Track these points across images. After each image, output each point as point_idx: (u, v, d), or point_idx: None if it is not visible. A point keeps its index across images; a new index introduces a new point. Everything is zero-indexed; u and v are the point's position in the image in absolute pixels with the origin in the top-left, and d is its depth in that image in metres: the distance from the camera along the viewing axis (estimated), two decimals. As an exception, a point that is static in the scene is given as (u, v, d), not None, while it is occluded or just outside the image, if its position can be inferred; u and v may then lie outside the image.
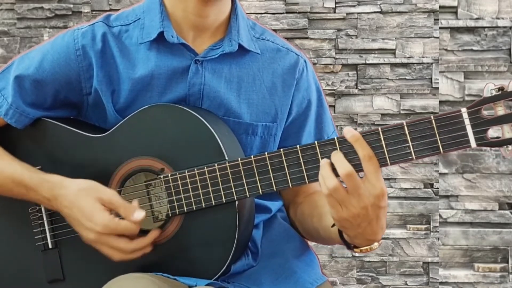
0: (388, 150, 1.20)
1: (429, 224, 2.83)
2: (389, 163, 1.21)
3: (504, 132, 1.16)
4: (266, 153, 1.28)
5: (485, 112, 1.16)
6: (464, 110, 1.17)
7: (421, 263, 2.84)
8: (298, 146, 1.26)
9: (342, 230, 1.27)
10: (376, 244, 1.28)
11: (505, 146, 1.16)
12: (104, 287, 1.26)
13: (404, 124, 1.19)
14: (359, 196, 1.19)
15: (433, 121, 1.18)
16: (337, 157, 1.21)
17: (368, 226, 1.23)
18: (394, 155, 1.20)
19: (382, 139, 1.20)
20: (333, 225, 1.30)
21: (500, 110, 1.16)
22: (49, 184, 1.34)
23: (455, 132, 1.17)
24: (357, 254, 2.79)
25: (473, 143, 1.17)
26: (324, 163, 1.21)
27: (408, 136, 1.19)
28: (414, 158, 1.20)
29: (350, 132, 1.20)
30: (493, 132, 1.17)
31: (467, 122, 1.16)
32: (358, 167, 1.20)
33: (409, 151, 1.19)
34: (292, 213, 1.51)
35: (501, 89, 1.15)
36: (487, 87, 1.17)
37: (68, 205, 1.32)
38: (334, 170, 1.20)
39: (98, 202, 1.30)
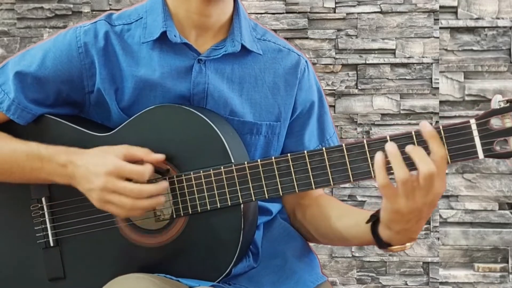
0: None
1: (429, 224, 2.83)
2: None
3: (511, 144, 1.16)
4: (273, 157, 1.28)
5: (493, 124, 1.16)
6: (473, 121, 1.17)
7: (421, 263, 2.84)
8: (305, 151, 1.26)
9: (387, 223, 1.23)
10: (409, 244, 1.27)
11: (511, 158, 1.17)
12: (104, 287, 1.26)
13: (413, 133, 1.19)
14: (427, 193, 1.17)
15: (442, 131, 1.18)
16: (421, 153, 1.17)
17: (416, 224, 1.22)
18: None
19: None
20: (368, 221, 1.29)
21: (508, 122, 1.16)
22: (66, 149, 1.34)
23: (463, 143, 1.17)
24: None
25: (480, 155, 1.17)
26: (396, 152, 1.16)
27: (416, 145, 1.18)
28: None
29: (426, 127, 1.17)
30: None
31: (475, 133, 1.17)
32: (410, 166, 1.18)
33: None
34: (300, 216, 1.49)
35: (509, 101, 1.16)
36: (495, 98, 1.17)
37: (82, 164, 1.30)
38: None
39: (117, 157, 1.30)
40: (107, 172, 1.27)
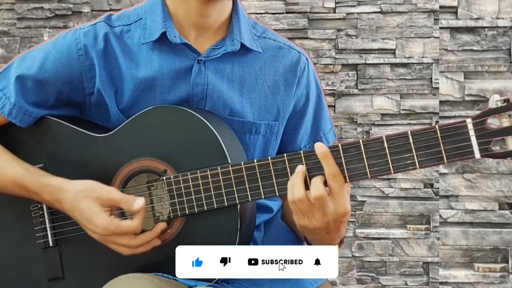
0: (392, 159, 1.21)
1: (429, 224, 2.83)
2: (392, 172, 1.21)
3: (509, 143, 1.15)
4: (269, 157, 1.28)
5: (490, 123, 1.16)
6: (469, 120, 1.17)
7: (421, 263, 2.84)
8: (301, 152, 1.26)
9: (302, 232, 1.32)
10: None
11: (509, 158, 1.16)
12: (104, 287, 1.26)
13: (409, 133, 1.20)
14: (324, 214, 1.22)
15: (438, 131, 1.18)
16: (316, 178, 1.23)
17: (326, 235, 1.27)
18: (397, 164, 1.21)
19: (386, 147, 1.20)
20: None
21: (505, 121, 1.15)
22: (49, 188, 1.34)
23: (460, 142, 1.17)
24: (357, 254, 2.79)
25: (477, 154, 1.17)
26: (299, 171, 1.23)
27: (412, 145, 1.19)
28: (417, 167, 1.20)
29: (320, 148, 1.23)
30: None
31: (471, 133, 1.16)
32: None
33: (413, 160, 1.20)
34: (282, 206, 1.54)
35: (506, 100, 1.15)
36: (492, 98, 1.17)
37: (69, 208, 1.33)
38: (305, 181, 1.23)
39: (96, 203, 1.30)
40: (101, 233, 1.30)
